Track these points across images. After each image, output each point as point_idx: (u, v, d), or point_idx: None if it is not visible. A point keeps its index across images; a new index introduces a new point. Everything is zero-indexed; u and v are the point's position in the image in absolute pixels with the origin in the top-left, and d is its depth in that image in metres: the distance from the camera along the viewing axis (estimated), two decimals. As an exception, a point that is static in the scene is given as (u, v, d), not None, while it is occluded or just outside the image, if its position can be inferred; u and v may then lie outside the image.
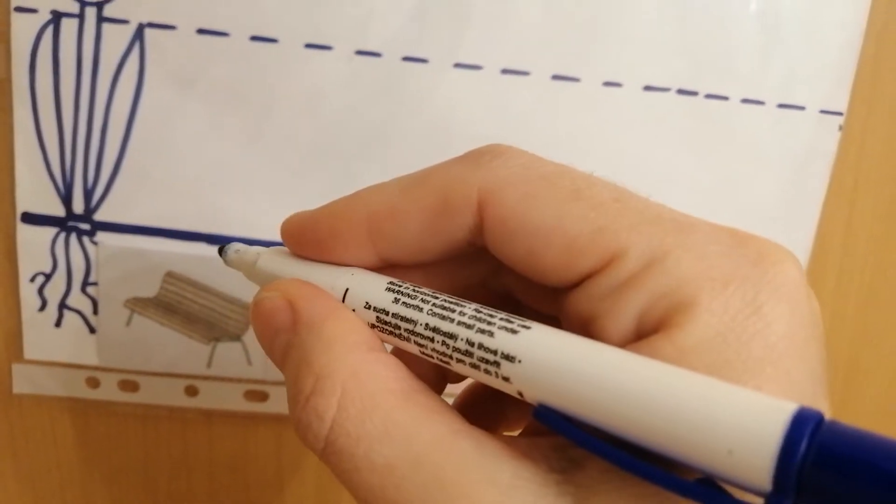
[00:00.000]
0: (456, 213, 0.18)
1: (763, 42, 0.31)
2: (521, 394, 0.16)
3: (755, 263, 0.16)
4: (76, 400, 0.33)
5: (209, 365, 0.33)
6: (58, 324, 0.32)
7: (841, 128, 0.33)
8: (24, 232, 0.31)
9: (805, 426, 0.12)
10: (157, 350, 0.33)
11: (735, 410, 0.13)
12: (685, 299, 0.15)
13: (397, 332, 0.18)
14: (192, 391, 0.33)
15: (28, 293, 0.32)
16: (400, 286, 0.18)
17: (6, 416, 0.33)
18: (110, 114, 0.30)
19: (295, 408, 0.17)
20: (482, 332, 0.16)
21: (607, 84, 0.31)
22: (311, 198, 0.31)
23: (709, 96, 0.32)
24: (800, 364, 0.15)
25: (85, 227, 0.31)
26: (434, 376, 0.21)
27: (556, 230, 0.17)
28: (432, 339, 0.17)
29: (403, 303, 0.18)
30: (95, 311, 0.32)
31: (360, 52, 0.30)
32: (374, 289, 0.19)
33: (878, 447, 0.12)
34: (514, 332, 0.16)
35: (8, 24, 0.29)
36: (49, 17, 0.29)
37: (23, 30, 0.29)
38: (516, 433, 0.21)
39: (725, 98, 0.32)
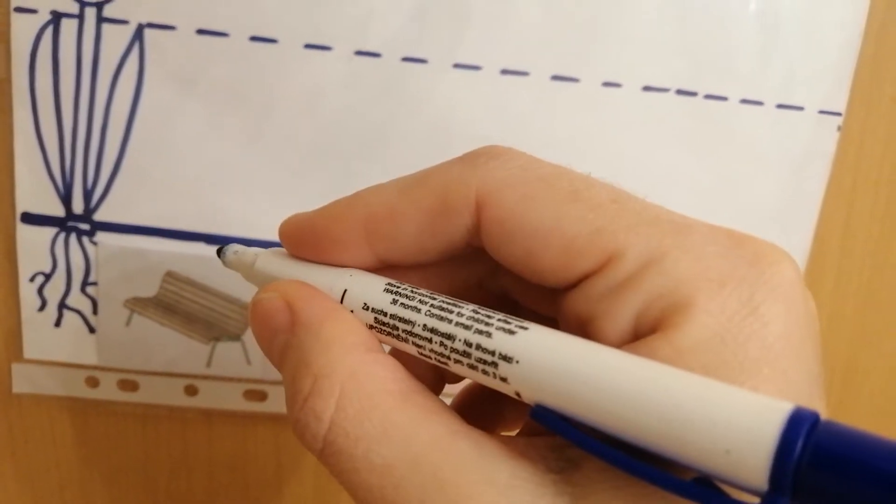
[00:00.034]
0: (454, 214, 0.18)
1: (762, 42, 0.31)
2: (518, 394, 0.16)
3: (752, 264, 0.16)
4: (76, 399, 0.33)
5: (209, 365, 0.33)
6: (57, 323, 0.32)
7: (840, 128, 0.33)
8: (24, 232, 0.31)
9: (801, 426, 0.13)
10: (156, 350, 0.33)
11: (732, 410, 0.13)
12: (682, 300, 0.15)
13: (395, 332, 0.18)
14: (191, 391, 0.34)
15: (28, 293, 0.32)
16: (398, 287, 0.18)
17: (6, 415, 0.33)
18: (110, 114, 0.30)
19: (293, 408, 0.17)
20: (480, 332, 0.17)
21: (606, 84, 0.31)
22: (310, 198, 0.31)
23: (708, 97, 0.32)
24: (796, 364, 0.15)
25: (85, 227, 0.31)
26: (432, 377, 0.21)
27: (554, 231, 0.17)
28: (430, 340, 0.17)
29: (401, 304, 0.18)
30: (95, 311, 0.32)
31: (359, 53, 0.30)
32: (373, 290, 0.19)
33: (874, 447, 0.12)
34: (511, 332, 0.16)
35: (8, 25, 0.29)
36: (49, 17, 0.29)
37: (22, 30, 0.29)
38: (514, 433, 0.21)
39: (724, 98, 0.32)
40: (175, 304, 0.32)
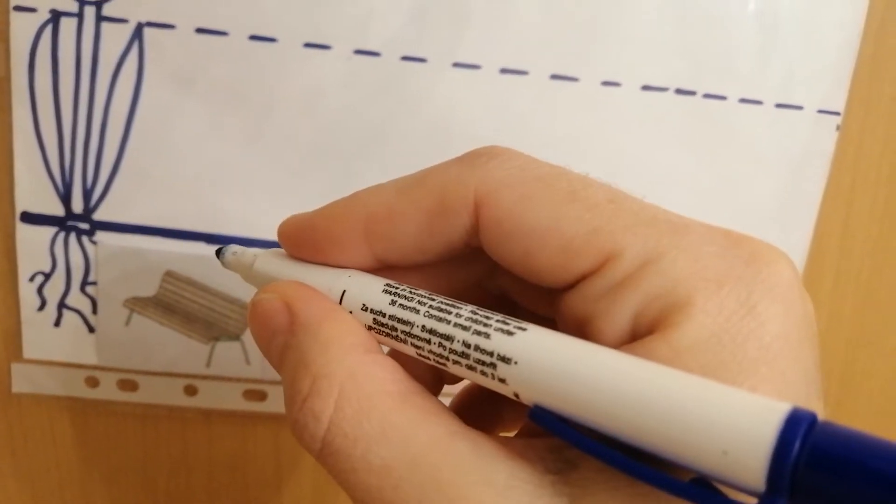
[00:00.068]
0: (452, 214, 0.18)
1: (761, 42, 0.31)
2: (517, 395, 0.16)
3: (749, 264, 0.16)
4: (75, 399, 0.33)
5: (208, 364, 0.33)
6: (57, 323, 0.32)
7: (838, 128, 0.33)
8: (24, 231, 0.31)
9: (798, 427, 0.13)
10: (156, 349, 0.33)
11: (729, 411, 0.13)
12: (680, 300, 0.15)
13: (394, 333, 0.18)
14: (191, 390, 0.34)
15: (27, 292, 0.32)
16: (397, 288, 0.18)
17: (5, 415, 0.34)
18: (109, 113, 0.30)
19: (292, 409, 0.17)
20: (478, 333, 0.17)
21: (606, 84, 0.31)
22: (310, 196, 0.31)
23: (707, 96, 0.32)
24: (794, 364, 0.15)
25: (84, 226, 0.31)
26: (430, 378, 0.21)
27: (552, 231, 0.17)
28: (429, 341, 0.17)
29: (400, 304, 0.18)
30: (95, 311, 0.32)
31: (358, 52, 0.30)
32: (371, 291, 0.19)
33: (871, 448, 0.12)
34: (510, 333, 0.16)
35: (7, 23, 0.29)
36: (48, 16, 0.29)
37: (22, 29, 0.29)
38: (512, 434, 0.21)
39: (723, 98, 0.32)
40: (174, 303, 0.32)
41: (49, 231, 0.31)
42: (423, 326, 0.17)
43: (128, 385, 0.33)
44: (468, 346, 0.17)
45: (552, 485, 0.15)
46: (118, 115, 0.30)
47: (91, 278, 0.32)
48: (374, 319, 0.18)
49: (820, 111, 0.32)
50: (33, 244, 0.31)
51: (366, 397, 0.17)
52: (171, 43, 0.29)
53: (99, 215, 0.31)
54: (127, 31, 0.29)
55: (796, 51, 0.31)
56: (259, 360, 0.33)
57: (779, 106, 0.32)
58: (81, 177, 0.31)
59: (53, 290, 0.32)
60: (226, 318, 0.32)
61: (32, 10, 0.29)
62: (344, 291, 0.19)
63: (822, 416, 0.13)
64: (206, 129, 0.30)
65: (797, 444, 0.12)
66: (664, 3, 0.31)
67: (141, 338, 0.33)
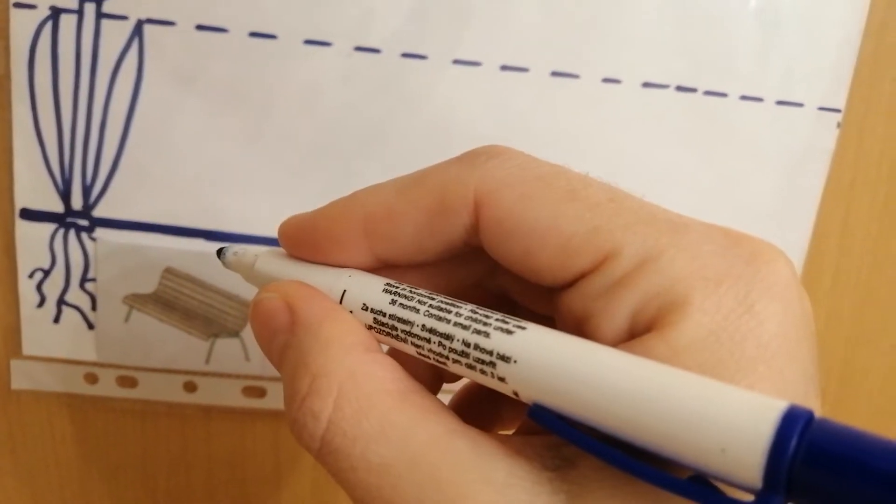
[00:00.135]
0: (452, 213, 0.18)
1: (762, 39, 0.31)
2: (516, 393, 0.16)
3: (748, 262, 0.16)
4: (74, 396, 0.33)
5: (207, 361, 0.33)
6: (56, 320, 0.32)
7: (839, 125, 0.33)
8: (23, 228, 0.31)
9: (795, 424, 0.13)
10: (155, 346, 0.33)
11: (727, 409, 0.13)
12: (678, 298, 0.16)
13: (394, 333, 0.18)
14: (190, 387, 0.34)
15: (27, 289, 0.32)
16: (397, 287, 0.19)
17: (4, 412, 0.34)
18: (109, 110, 0.30)
19: (291, 407, 0.17)
20: (478, 332, 0.17)
21: (606, 81, 0.31)
22: (310, 194, 0.31)
23: (707, 93, 0.32)
24: (792, 363, 0.15)
25: (84, 223, 0.31)
26: (430, 377, 0.22)
27: (552, 230, 0.17)
28: (429, 340, 0.17)
29: (400, 304, 0.18)
30: (94, 307, 0.32)
31: (359, 49, 0.30)
32: (372, 290, 0.19)
33: (868, 445, 0.12)
34: (509, 332, 0.16)
35: (7, 20, 0.29)
36: (48, 13, 0.29)
37: (21, 26, 0.29)
38: (511, 432, 0.21)
39: (724, 95, 0.32)
40: (174, 300, 0.32)
41: (48, 228, 0.31)
42: (424, 325, 0.17)
43: (127, 382, 0.33)
44: (468, 344, 0.17)
45: (550, 482, 0.15)
46: (118, 112, 0.30)
47: (90, 275, 0.32)
48: (375, 319, 0.18)
49: (821, 108, 0.32)
50: (33, 241, 0.31)
51: (365, 396, 0.17)
52: (171, 40, 0.29)
53: (98, 212, 0.31)
54: (127, 27, 0.29)
55: (797, 48, 0.31)
56: (258, 356, 0.33)
57: (779, 103, 0.32)
58: (81, 173, 0.31)
59: (53, 287, 0.32)
60: (225, 314, 0.33)
61: (32, 6, 0.29)
62: (344, 291, 0.19)
63: (819, 413, 0.13)
64: (206, 126, 0.30)
65: (794, 442, 0.12)
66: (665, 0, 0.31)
67: (140, 334, 0.33)
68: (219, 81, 0.30)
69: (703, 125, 0.32)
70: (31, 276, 0.32)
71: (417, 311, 0.18)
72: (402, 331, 0.18)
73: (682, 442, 0.14)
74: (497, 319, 0.17)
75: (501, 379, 0.16)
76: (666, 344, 0.15)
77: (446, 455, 0.16)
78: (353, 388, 0.17)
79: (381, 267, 0.20)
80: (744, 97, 0.32)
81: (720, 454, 0.13)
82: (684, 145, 0.32)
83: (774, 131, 0.32)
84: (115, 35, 0.29)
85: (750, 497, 0.13)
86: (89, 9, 0.29)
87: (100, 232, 0.31)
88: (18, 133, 0.30)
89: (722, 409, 0.13)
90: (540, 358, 0.16)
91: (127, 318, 0.32)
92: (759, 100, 0.32)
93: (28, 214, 0.31)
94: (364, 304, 0.19)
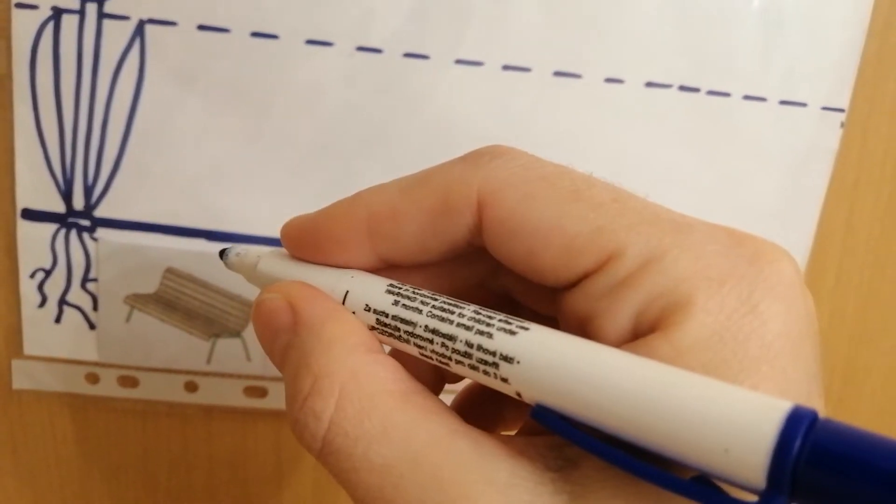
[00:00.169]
0: (456, 213, 0.18)
1: (765, 39, 0.31)
2: (519, 394, 0.16)
3: (751, 262, 0.16)
4: (76, 396, 0.33)
5: (209, 361, 0.33)
6: (58, 320, 0.32)
7: (843, 125, 0.33)
8: (25, 228, 0.31)
9: (799, 424, 0.13)
10: (156, 346, 0.33)
11: (731, 409, 0.13)
12: (682, 298, 0.15)
13: (397, 333, 0.18)
14: (191, 387, 0.34)
15: (28, 289, 0.32)
16: (400, 288, 0.18)
17: (6, 412, 0.34)
18: (111, 110, 0.30)
19: (292, 408, 0.17)
20: (481, 333, 0.17)
21: (609, 80, 0.31)
22: (311, 194, 0.31)
23: (710, 93, 0.32)
24: (795, 363, 0.15)
25: (85, 223, 0.31)
26: (432, 377, 0.21)
27: (555, 230, 0.17)
28: (432, 341, 0.17)
29: (403, 305, 0.18)
30: (95, 308, 0.32)
31: (360, 49, 0.30)
32: (374, 291, 0.19)
33: (872, 445, 0.12)
34: (512, 333, 0.16)
35: (9, 21, 0.29)
36: (50, 13, 0.29)
37: (23, 26, 0.29)
38: (513, 433, 0.21)
39: (727, 95, 0.32)
40: (175, 300, 0.32)
41: (50, 228, 0.31)
42: (426, 326, 0.17)
43: (128, 382, 0.33)
44: (471, 345, 0.17)
45: (553, 483, 0.15)
46: (119, 112, 0.30)
47: (92, 275, 0.32)
48: (377, 320, 0.18)
49: (824, 108, 0.32)
50: (34, 241, 0.31)
51: (367, 397, 0.17)
52: (172, 40, 0.29)
53: (100, 212, 0.31)
54: (128, 28, 0.29)
55: (800, 48, 0.31)
56: (260, 356, 0.33)
57: (783, 103, 0.32)
58: (82, 174, 0.31)
59: (54, 287, 0.32)
60: (226, 314, 0.32)
61: (34, 7, 0.29)
62: (347, 292, 0.19)
63: (822, 414, 0.13)
64: (208, 126, 0.30)
65: (798, 442, 0.12)
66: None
67: (141, 334, 0.33)
68: (220, 81, 0.30)
69: (706, 125, 0.32)
70: (32, 276, 0.32)
71: (420, 311, 0.18)
72: (405, 331, 0.18)
73: (685, 442, 0.14)
74: (500, 320, 0.17)
75: (504, 380, 0.16)
76: (670, 344, 0.15)
77: (448, 455, 0.16)
78: (355, 389, 0.17)
79: (383, 267, 0.20)
80: (747, 97, 0.32)
81: (724, 454, 0.13)
82: (687, 145, 0.32)
83: (778, 131, 0.32)
84: (116, 35, 0.29)
85: (753, 498, 0.13)
86: (91, 9, 0.29)
87: (101, 232, 0.31)
88: (20, 133, 0.30)
89: (726, 409, 0.13)
90: (543, 359, 0.16)
91: (128, 318, 0.32)
92: (763, 99, 0.32)
93: (29, 214, 0.31)
94: (367, 305, 0.19)
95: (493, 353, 0.16)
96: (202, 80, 0.30)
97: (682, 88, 0.31)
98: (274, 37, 0.30)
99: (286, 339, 0.19)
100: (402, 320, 0.18)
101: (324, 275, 0.20)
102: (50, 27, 0.29)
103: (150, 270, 0.32)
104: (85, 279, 0.32)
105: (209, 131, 0.30)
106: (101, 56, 0.29)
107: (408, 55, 0.30)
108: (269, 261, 0.21)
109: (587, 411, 0.15)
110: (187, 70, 0.30)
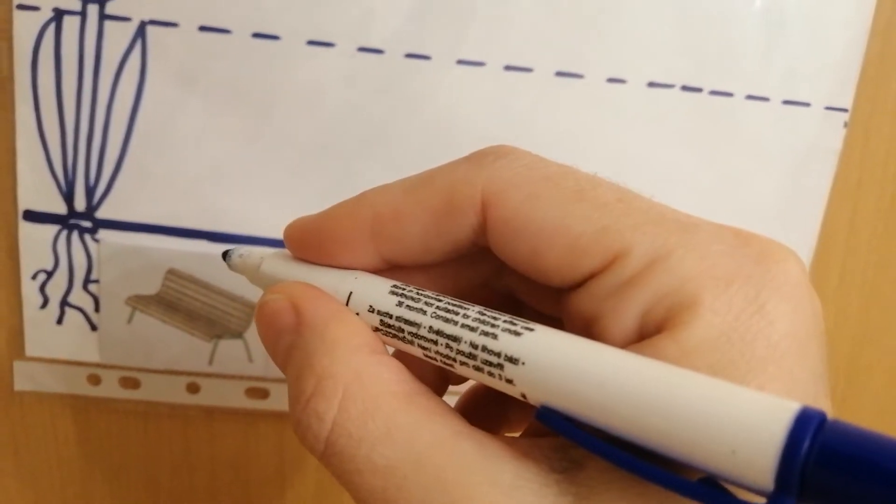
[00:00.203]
0: (460, 213, 0.18)
1: (767, 38, 0.31)
2: (524, 396, 0.16)
3: (758, 262, 0.16)
4: (77, 397, 0.33)
5: (210, 362, 0.33)
6: (59, 321, 0.32)
7: (846, 125, 0.33)
8: (26, 229, 0.31)
9: (808, 426, 0.12)
10: (158, 347, 0.33)
11: (738, 411, 0.13)
12: (688, 298, 0.15)
13: (401, 335, 0.18)
14: (193, 388, 0.33)
15: (30, 290, 0.32)
16: (404, 289, 0.18)
17: (7, 413, 0.33)
18: (112, 111, 0.30)
19: (295, 409, 0.17)
20: (486, 334, 0.16)
21: (611, 80, 0.31)
22: (313, 195, 0.31)
23: (713, 93, 0.32)
24: (802, 363, 0.15)
25: (87, 224, 0.31)
26: (435, 378, 0.21)
27: (560, 230, 0.17)
28: (436, 342, 0.17)
29: (407, 306, 0.18)
30: (97, 309, 0.32)
31: (362, 49, 0.30)
32: (378, 292, 0.19)
33: (881, 446, 0.12)
34: (517, 334, 0.16)
35: (10, 22, 0.29)
36: (51, 14, 0.29)
37: (25, 27, 0.29)
38: (517, 434, 0.21)
39: (730, 94, 0.32)
40: (177, 301, 0.32)
41: (52, 229, 0.31)
42: (431, 327, 0.17)
43: (130, 383, 0.33)
44: (475, 346, 0.17)
45: (557, 484, 0.15)
46: (121, 114, 0.30)
47: (93, 276, 0.32)
48: (381, 321, 0.18)
49: (827, 108, 0.32)
50: (36, 242, 0.31)
51: (370, 398, 0.17)
52: (174, 41, 0.29)
53: (101, 213, 0.31)
54: (130, 29, 0.29)
55: (803, 47, 0.31)
56: (262, 357, 0.33)
57: (785, 103, 0.32)
58: (84, 175, 0.31)
59: (56, 288, 0.32)
60: (228, 315, 0.32)
61: (35, 8, 0.29)
62: (350, 293, 0.19)
63: (829, 414, 0.13)
64: (210, 126, 0.30)
65: (807, 443, 0.12)
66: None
67: (143, 336, 0.32)
68: (222, 82, 0.30)
69: (708, 125, 0.32)
70: (34, 277, 0.32)
71: (424, 312, 0.18)
72: (409, 333, 0.18)
73: (692, 444, 0.13)
74: (505, 321, 0.17)
75: (509, 381, 0.16)
76: (676, 345, 0.15)
77: (452, 457, 0.16)
78: (358, 390, 0.17)
79: (386, 268, 0.20)
80: (749, 97, 0.32)
81: (731, 456, 0.13)
82: (689, 145, 0.32)
83: (780, 131, 0.32)
84: (118, 36, 0.29)
85: (761, 499, 0.13)
86: (92, 10, 0.29)
87: (103, 233, 0.31)
88: (22, 134, 0.30)
89: (733, 410, 0.13)
90: (548, 360, 0.15)
91: (130, 320, 0.32)
92: (765, 99, 0.32)
93: (31, 216, 0.31)
94: (370, 306, 0.19)
95: (498, 355, 0.16)
96: (204, 80, 0.30)
97: (685, 88, 0.31)
98: (275, 38, 0.30)
99: (289, 340, 0.19)
100: (406, 321, 0.18)
101: (327, 276, 0.20)
102: (51, 28, 0.29)
103: (152, 271, 0.32)
104: (86, 280, 0.32)
105: (211, 132, 0.30)
106: (102, 57, 0.29)
107: (409, 56, 0.30)
108: (273, 262, 0.21)
109: (592, 413, 0.15)
110: (189, 71, 0.30)
